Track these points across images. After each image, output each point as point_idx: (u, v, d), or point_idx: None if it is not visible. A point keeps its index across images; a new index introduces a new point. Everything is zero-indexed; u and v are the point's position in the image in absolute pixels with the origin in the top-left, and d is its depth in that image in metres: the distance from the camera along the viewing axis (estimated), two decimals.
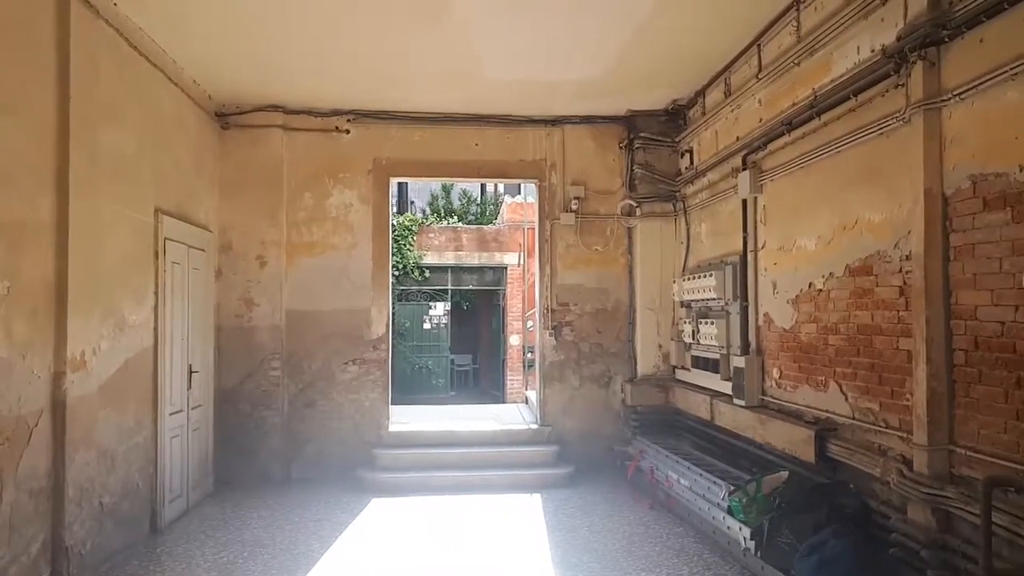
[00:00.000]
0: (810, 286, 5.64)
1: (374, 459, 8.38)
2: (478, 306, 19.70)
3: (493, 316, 17.20)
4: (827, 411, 5.35)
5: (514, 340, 15.66)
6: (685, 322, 7.97)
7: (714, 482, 5.99)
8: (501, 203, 19.73)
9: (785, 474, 5.33)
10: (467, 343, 19.47)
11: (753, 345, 6.61)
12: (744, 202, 6.77)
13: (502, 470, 8.22)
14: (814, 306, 5.59)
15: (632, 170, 8.84)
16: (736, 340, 6.86)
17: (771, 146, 6.29)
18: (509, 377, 15.63)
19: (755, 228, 6.64)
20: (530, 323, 14.61)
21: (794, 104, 5.87)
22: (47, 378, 4.76)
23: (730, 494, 5.49)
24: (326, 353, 8.63)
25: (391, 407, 8.86)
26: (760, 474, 5.56)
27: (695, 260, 8.13)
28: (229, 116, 8.36)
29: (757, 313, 6.58)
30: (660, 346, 8.71)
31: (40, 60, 4.81)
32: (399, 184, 24.00)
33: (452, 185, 22.15)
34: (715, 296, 7.11)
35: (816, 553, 4.36)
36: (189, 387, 7.28)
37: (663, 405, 8.54)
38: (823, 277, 5.45)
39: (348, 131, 8.72)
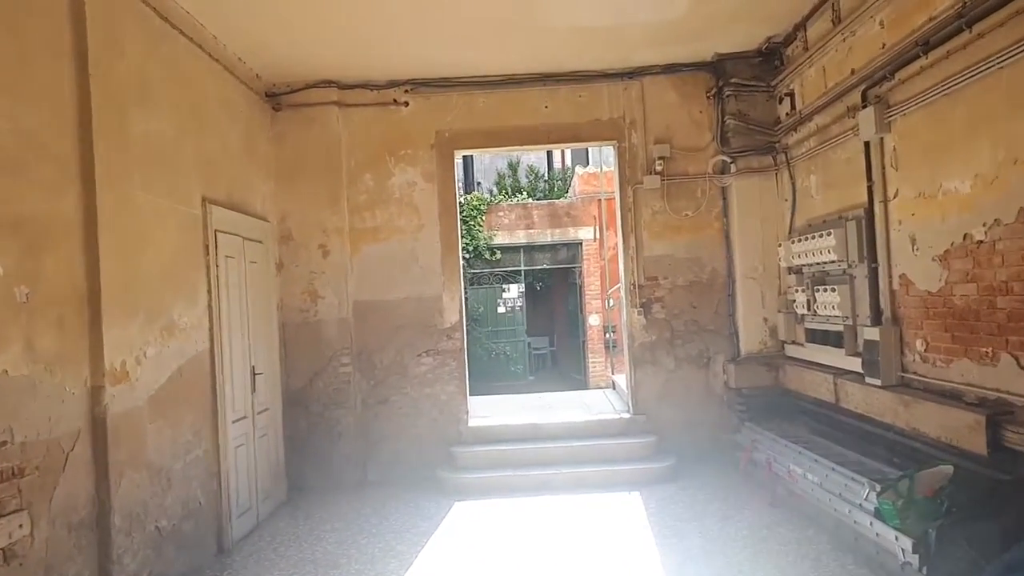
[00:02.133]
0: (965, 238, 4.61)
1: (454, 458, 7.73)
2: (553, 286, 18.91)
3: (570, 295, 16.35)
4: (998, 390, 4.34)
5: (593, 320, 14.78)
6: (796, 291, 6.97)
7: (852, 478, 5.05)
8: (571, 177, 18.83)
9: (949, 469, 4.35)
10: (543, 325, 18.72)
11: (887, 313, 5.59)
12: (867, 145, 5.74)
13: (594, 465, 7.43)
14: (972, 262, 4.56)
15: (723, 122, 7.83)
16: (864, 308, 5.85)
17: (900, 74, 5.25)
18: (590, 359, 14.78)
19: (883, 175, 5.60)
20: (611, 301, 13.75)
21: (931, 19, 4.81)
22: (83, 394, 4.22)
23: (878, 494, 4.55)
24: (398, 345, 8.00)
25: (469, 399, 8.18)
26: (913, 469, 4.59)
27: (804, 219, 7.10)
28: (280, 96, 7.78)
29: (891, 275, 5.55)
30: (766, 319, 7.72)
31: (50, 31, 4.23)
32: (463, 163, 23.47)
33: (519, 162, 21.38)
34: (834, 258, 6.11)
35: (1017, 573, 3.41)
36: (253, 390, 6.77)
37: (772, 386, 7.56)
38: (985, 226, 4.42)
39: (407, 103, 8.02)
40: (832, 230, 6.10)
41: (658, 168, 7.90)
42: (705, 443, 7.74)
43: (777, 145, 7.61)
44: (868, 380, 5.65)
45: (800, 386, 7.06)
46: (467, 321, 14.90)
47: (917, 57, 4.98)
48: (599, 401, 9.29)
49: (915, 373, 5.25)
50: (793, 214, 7.34)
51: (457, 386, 8.03)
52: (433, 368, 8.01)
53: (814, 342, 6.86)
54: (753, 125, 7.70)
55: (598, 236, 14.70)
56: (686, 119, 8.01)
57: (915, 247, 5.19)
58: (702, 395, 7.91)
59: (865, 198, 5.80)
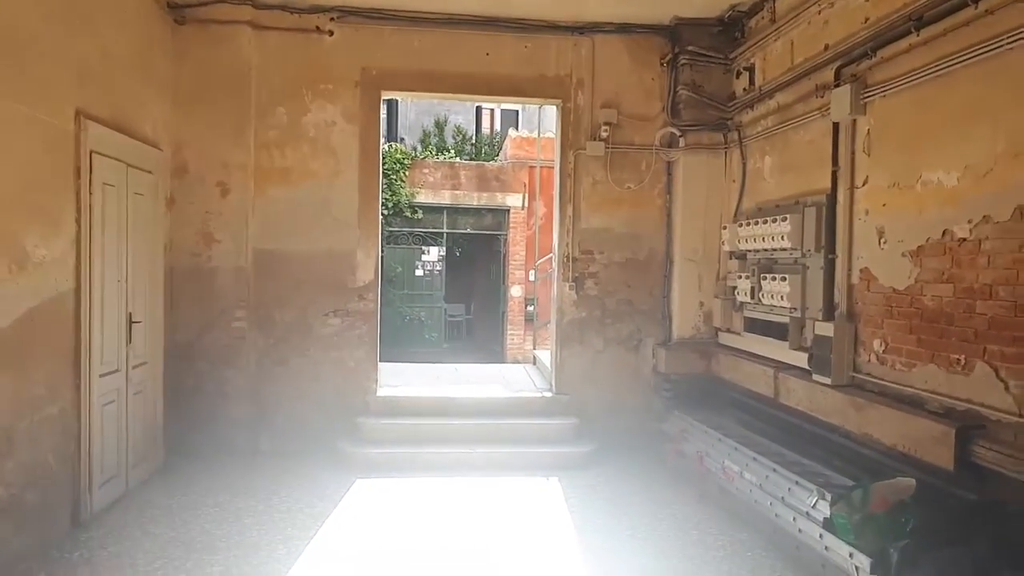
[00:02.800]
0: (945, 234, 4.24)
1: (359, 429, 7.01)
2: (475, 252, 18.22)
3: (492, 264, 15.68)
4: (970, 401, 4.00)
5: (515, 291, 14.21)
6: (739, 276, 6.57)
7: (796, 482, 4.67)
8: (501, 142, 18.07)
9: (911, 482, 3.99)
10: (461, 292, 18.03)
11: (842, 308, 5.23)
12: (836, 127, 5.32)
13: (511, 446, 6.88)
14: (951, 261, 4.19)
15: (675, 92, 7.32)
16: (816, 301, 5.48)
17: (884, 52, 4.81)
18: (510, 332, 14.22)
19: (851, 160, 5.20)
20: (534, 273, 13.23)
21: None
22: None
23: (831, 505, 4.16)
24: (302, 302, 7.16)
25: (379, 366, 7.46)
26: (867, 479, 4.24)
27: (753, 201, 6.69)
28: (185, 8, 6.72)
29: (850, 268, 5.18)
30: (701, 304, 7.32)
31: None
32: (387, 114, 22.31)
33: (446, 121, 20.43)
34: (787, 245, 5.70)
35: None
36: (129, 341, 5.84)
37: (703, 374, 7.19)
38: (971, 223, 4.04)
39: (331, 32, 7.09)
40: (788, 215, 5.68)
41: (603, 135, 7.31)
42: (630, 429, 7.30)
43: (730, 122, 7.16)
44: (816, 377, 5.29)
45: (734, 376, 6.71)
46: (382, 282, 14.16)
47: (907, 33, 4.54)
48: (520, 377, 8.73)
49: (869, 375, 4.90)
50: (741, 196, 6.92)
51: (367, 352, 7.28)
52: (341, 330, 7.23)
53: (754, 332, 6.49)
54: (706, 98, 7.22)
55: (527, 204, 14.09)
56: (637, 85, 7.44)
57: (882, 240, 4.81)
58: (630, 379, 7.46)
59: (828, 183, 5.39)
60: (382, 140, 7.93)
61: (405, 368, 9.08)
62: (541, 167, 12.94)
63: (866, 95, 4.99)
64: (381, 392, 7.32)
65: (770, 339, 6.17)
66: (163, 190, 6.57)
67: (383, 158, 13.81)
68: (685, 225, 7.31)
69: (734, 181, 7.12)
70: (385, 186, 13.51)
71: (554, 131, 7.84)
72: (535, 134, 12.73)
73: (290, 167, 7.12)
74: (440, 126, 20.13)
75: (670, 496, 6.10)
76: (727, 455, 5.59)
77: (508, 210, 14.38)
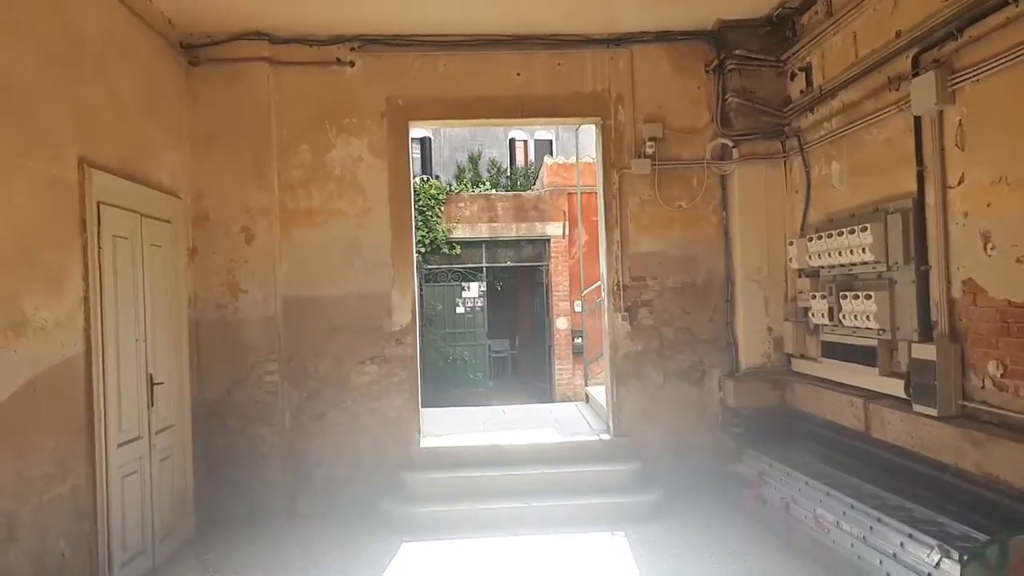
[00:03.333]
0: None
1: (403, 486, 6.47)
2: (514, 285, 17.70)
3: (535, 296, 15.10)
4: None
5: (561, 323, 13.60)
6: (812, 296, 5.90)
7: (909, 535, 3.96)
8: (535, 173, 17.64)
9: None
10: (504, 327, 17.48)
11: (942, 327, 4.54)
12: (918, 121, 4.69)
13: (569, 497, 6.25)
14: None
15: (724, 100, 6.75)
16: (910, 320, 4.79)
17: (972, 30, 4.20)
18: (557, 367, 13.59)
19: (940, 156, 4.54)
20: (580, 304, 12.63)
21: None
22: None
23: (963, 565, 3.46)
24: (336, 351, 6.70)
25: (421, 414, 6.93)
26: (1004, 532, 3.53)
27: (823, 213, 6.05)
28: (199, 48, 6.41)
29: (949, 280, 4.50)
30: (770, 329, 6.65)
31: None
32: (421, 153, 22.18)
33: (480, 155, 20.14)
34: (869, 259, 5.03)
35: None
36: (151, 404, 5.42)
37: (776, 406, 6.51)
38: None
39: (353, 63, 6.72)
40: (868, 225, 5.02)
41: (648, 151, 6.75)
42: (697, 471, 6.62)
43: (787, 128, 6.56)
44: (917, 408, 4.59)
45: (814, 408, 6.01)
46: (422, 322, 13.67)
47: (1003, 5, 3.93)
48: (572, 417, 8.11)
49: (985, 403, 4.20)
50: (807, 207, 6.28)
51: (407, 400, 6.76)
52: (379, 378, 6.73)
53: (833, 357, 5.79)
54: (759, 104, 6.63)
55: (567, 232, 13.53)
56: (681, 95, 6.89)
57: (989, 246, 4.14)
58: (694, 415, 6.80)
59: (913, 186, 4.75)
60: (414, 177, 7.50)
61: (449, 413, 8.54)
62: (581, 193, 12.41)
63: (954, 82, 4.35)
64: (425, 443, 6.78)
65: (855, 365, 5.48)
66: (184, 240, 6.21)
67: (416, 194, 13.55)
68: (745, 243, 6.68)
69: (796, 192, 6.50)
70: (420, 223, 13.13)
71: (594, 153, 7.31)
72: (577, 158, 12.21)
73: (316, 208, 6.71)
74: (474, 160, 19.86)
75: (750, 548, 5.40)
76: (818, 501, 4.88)
77: (548, 240, 13.81)
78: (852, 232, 5.19)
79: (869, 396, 5.22)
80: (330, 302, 6.68)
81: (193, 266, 6.36)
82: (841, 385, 5.70)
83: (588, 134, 8.13)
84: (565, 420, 7.90)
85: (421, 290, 13.54)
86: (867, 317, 5.09)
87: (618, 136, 6.87)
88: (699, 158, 6.83)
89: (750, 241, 6.67)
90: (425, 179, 14.56)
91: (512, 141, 23.02)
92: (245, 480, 6.43)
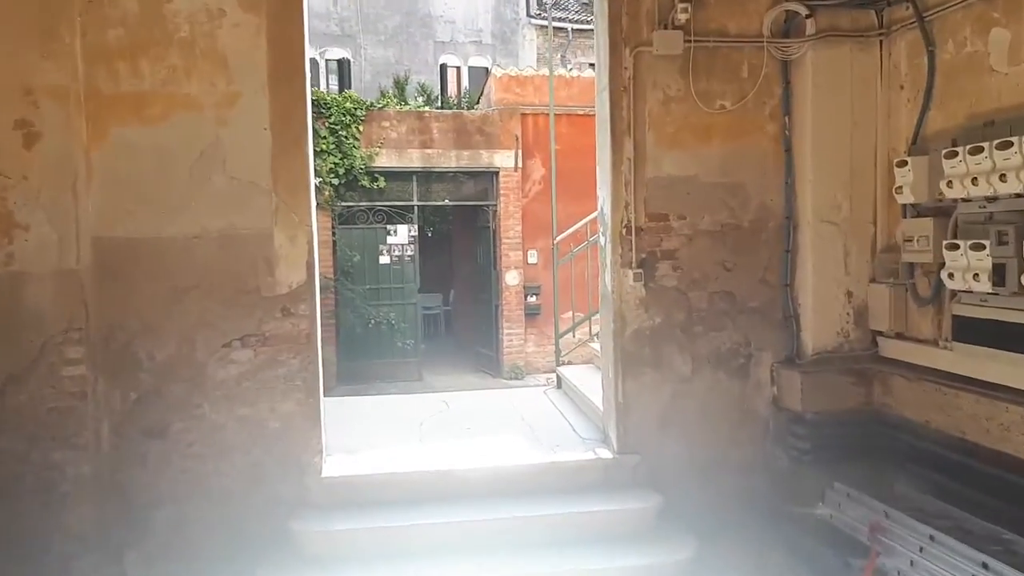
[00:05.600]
0: None
1: (292, 541, 4.08)
2: (448, 230, 15.18)
3: (478, 244, 12.57)
4: None
5: (511, 278, 11.16)
6: (953, 247, 3.72)
7: None
8: (474, 101, 14.92)
9: None
10: (435, 280, 15.01)
11: None
12: None
13: (556, 559, 4.00)
14: None
15: None
16: None
17: None
18: (506, 330, 11.24)
19: None
20: (532, 253, 10.38)
21: None
22: None
23: None
24: (184, 327, 4.18)
25: (326, 408, 4.54)
26: None
27: (962, 115, 3.85)
28: None
29: None
30: (850, 295, 4.50)
31: None
32: (339, 73, 19.18)
33: (407, 80, 17.26)
34: None
35: None
36: None
37: (860, 410, 4.41)
38: None
39: None
40: None
41: (680, 18, 4.38)
42: (743, 508, 4.47)
43: None
44: None
45: (934, 419, 3.92)
46: (336, 275, 11.06)
47: None
48: (544, 412, 5.78)
49: None
50: (926, 110, 4.08)
51: (300, 401, 4.32)
52: (254, 370, 4.26)
53: (981, 343, 3.67)
54: None
55: (520, 164, 11.04)
56: None
57: None
58: (735, 421, 4.62)
59: None
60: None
61: (369, 405, 6.13)
62: (535, 114, 9.99)
63: None
64: (330, 467, 4.38)
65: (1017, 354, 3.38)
66: None
67: (328, 107, 10.70)
68: (819, 165, 4.46)
69: (902, 87, 4.29)
70: (333, 146, 10.39)
71: (594, 21, 4.90)
72: (527, 70, 9.76)
73: (148, 92, 4.10)
74: (400, 85, 17.01)
75: None
76: None
77: (497, 172, 11.19)
78: None
79: None
80: (173, 247, 4.14)
81: None
82: (994, 387, 3.60)
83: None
84: (537, 419, 5.53)
85: (334, 234, 10.89)
86: None
87: None
88: (753, 34, 4.51)
89: (825, 162, 4.45)
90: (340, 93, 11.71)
91: (444, 67, 20.22)
92: (32, 534, 3.94)
